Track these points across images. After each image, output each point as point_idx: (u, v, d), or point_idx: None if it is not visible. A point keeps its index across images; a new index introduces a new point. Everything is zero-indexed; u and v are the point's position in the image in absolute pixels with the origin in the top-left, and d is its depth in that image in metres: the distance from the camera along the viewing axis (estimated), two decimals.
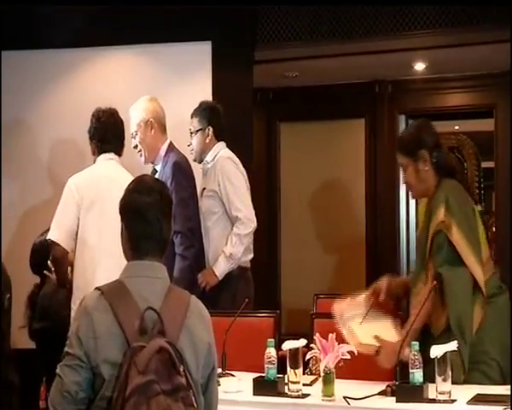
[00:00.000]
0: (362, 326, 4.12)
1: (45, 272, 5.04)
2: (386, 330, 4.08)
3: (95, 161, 4.93)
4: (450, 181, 4.11)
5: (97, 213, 4.69)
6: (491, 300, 4.03)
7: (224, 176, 5.27)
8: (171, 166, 5.17)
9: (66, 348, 2.66)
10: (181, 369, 2.52)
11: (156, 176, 5.08)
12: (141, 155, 5.30)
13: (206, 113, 5.42)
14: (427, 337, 3.93)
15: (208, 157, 5.35)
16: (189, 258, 5.11)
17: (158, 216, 2.74)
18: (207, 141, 5.39)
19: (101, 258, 4.67)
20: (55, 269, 4.89)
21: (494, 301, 4.04)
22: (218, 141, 5.43)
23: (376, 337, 3.97)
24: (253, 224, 5.28)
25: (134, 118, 5.23)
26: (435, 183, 4.11)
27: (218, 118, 5.46)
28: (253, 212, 5.34)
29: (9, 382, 2.90)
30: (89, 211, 4.71)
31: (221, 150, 5.39)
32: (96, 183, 4.79)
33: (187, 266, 5.11)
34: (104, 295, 2.65)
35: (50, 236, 4.74)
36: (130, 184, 2.86)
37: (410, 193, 4.42)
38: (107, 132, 4.85)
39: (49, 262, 4.92)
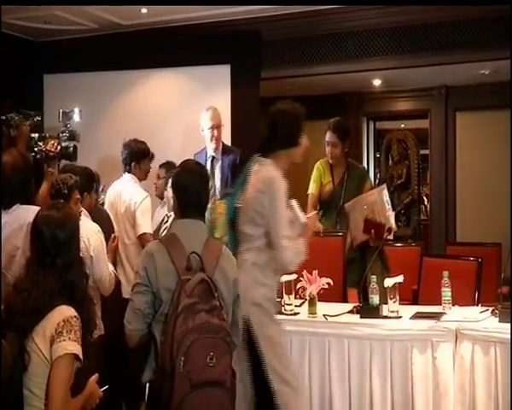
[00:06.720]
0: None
1: None
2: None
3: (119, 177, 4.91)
4: (355, 162, 4.91)
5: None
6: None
7: None
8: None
9: (135, 280, 2.64)
10: (216, 295, 2.50)
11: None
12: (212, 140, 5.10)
13: None
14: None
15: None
16: None
17: (197, 190, 2.69)
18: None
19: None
20: None
21: None
22: None
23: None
24: None
25: (214, 118, 5.11)
26: (345, 160, 4.77)
27: None
28: None
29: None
30: None
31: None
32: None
33: None
34: (162, 243, 2.64)
35: None
36: (179, 166, 2.83)
37: (331, 157, 4.81)
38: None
39: None
